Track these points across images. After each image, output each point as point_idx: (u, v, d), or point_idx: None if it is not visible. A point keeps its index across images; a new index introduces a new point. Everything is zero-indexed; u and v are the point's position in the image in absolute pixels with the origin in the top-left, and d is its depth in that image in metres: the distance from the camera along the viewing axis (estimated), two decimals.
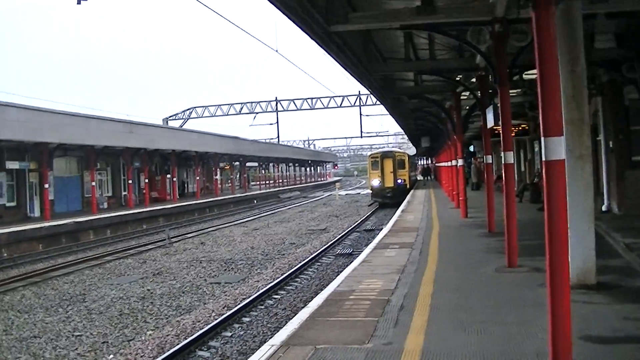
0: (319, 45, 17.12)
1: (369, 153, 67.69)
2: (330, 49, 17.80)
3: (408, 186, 58.26)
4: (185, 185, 76.03)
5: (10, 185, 45.67)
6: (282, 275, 22.39)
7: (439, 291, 12.81)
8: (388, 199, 54.91)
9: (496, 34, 15.24)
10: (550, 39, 7.66)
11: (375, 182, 57.63)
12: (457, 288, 13.09)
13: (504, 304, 11.35)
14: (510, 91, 18.79)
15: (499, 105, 16.09)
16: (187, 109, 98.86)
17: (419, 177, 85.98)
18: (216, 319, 16.34)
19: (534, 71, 7.77)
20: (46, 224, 38.88)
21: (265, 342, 10.27)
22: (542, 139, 7.66)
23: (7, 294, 22.37)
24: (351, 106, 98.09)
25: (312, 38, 16.17)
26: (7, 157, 43.87)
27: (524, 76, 23.34)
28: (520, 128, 33.85)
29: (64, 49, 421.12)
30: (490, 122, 19.40)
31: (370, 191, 60.64)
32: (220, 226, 46.25)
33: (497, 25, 15.00)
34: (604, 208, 23.93)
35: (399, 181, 57.28)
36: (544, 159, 7.67)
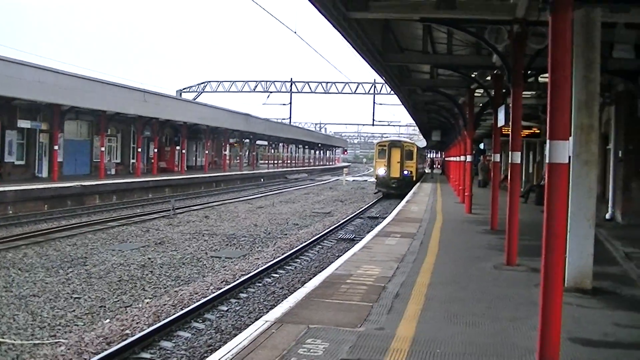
0: (337, 30, 17.20)
1: (377, 140, 66.26)
2: (348, 35, 17.89)
3: (414, 178, 56.17)
4: (195, 159, 76.17)
5: (21, 144, 45.84)
6: (282, 254, 22.50)
7: (436, 282, 12.97)
8: (392, 190, 53.25)
9: (515, 35, 15.31)
10: (564, 44, 7.77)
11: (381, 171, 55.15)
12: (454, 281, 13.25)
13: (499, 300, 11.51)
14: (525, 93, 18.89)
15: (510, 105, 16.19)
16: (202, 83, 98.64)
17: (427, 170, 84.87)
18: (214, 292, 16.45)
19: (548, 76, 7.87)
20: (53, 185, 39.06)
21: (260, 318, 10.42)
22: (548, 141, 7.79)
23: (10, 252, 22.50)
24: (365, 94, 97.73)
25: (330, 23, 16.26)
26: (19, 116, 44.01)
27: (540, 79, 23.38)
28: (531, 130, 33.85)
29: (80, 12, 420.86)
30: (501, 122, 19.52)
31: (375, 180, 57.81)
32: (226, 201, 46.35)
33: (516, 25, 15.07)
34: (607, 216, 24.04)
35: (406, 172, 54.93)
36: (547, 161, 7.81)
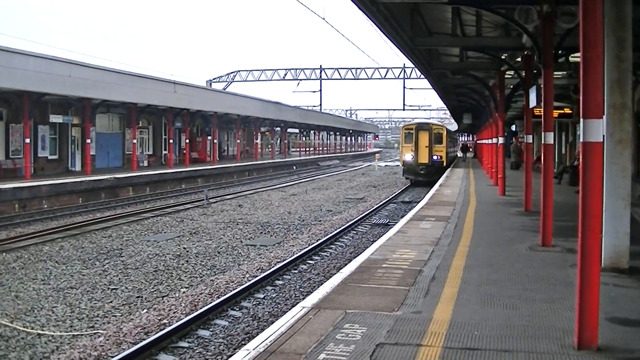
0: (366, 14, 17.20)
1: (403, 124, 61.51)
2: (377, 20, 17.87)
3: (445, 164, 52.10)
4: (227, 148, 76.36)
5: (53, 139, 46.32)
6: (317, 241, 22.61)
7: (471, 265, 12.96)
8: (421, 177, 49.80)
9: (544, 14, 15.20)
10: (596, 22, 7.73)
11: (408, 156, 50.86)
12: (489, 263, 13.22)
13: (534, 282, 11.47)
14: (555, 73, 18.77)
15: (542, 86, 16.09)
16: (231, 72, 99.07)
17: (459, 154, 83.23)
18: (250, 280, 16.58)
19: (580, 54, 7.83)
20: (86, 178, 39.38)
21: (296, 305, 10.47)
22: (582, 120, 7.75)
23: (46, 245, 22.76)
24: (395, 78, 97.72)
25: (359, 7, 16.25)
26: (51, 111, 44.43)
27: (570, 59, 23.19)
28: (563, 110, 33.60)
29: (108, 3, 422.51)
30: (532, 102, 19.39)
31: (402, 166, 53.24)
32: (259, 190, 46.55)
33: (545, 5, 14.97)
34: None
35: (435, 157, 50.58)
36: (581, 140, 7.78)
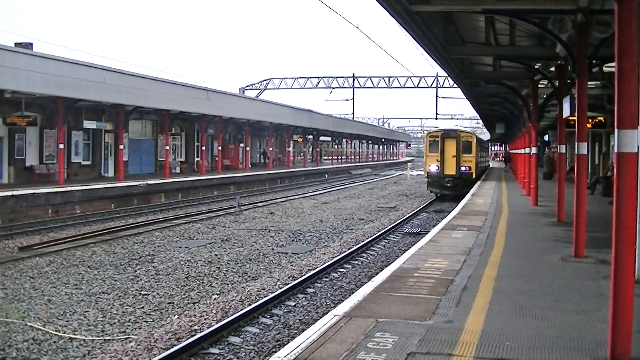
0: (400, 24, 17.19)
1: (427, 131, 53.78)
2: (411, 29, 17.86)
3: (474, 176, 46.20)
4: (265, 155, 76.57)
5: (87, 144, 46.78)
6: (348, 249, 22.60)
7: (503, 275, 12.91)
8: (447, 190, 44.85)
9: (578, 24, 15.12)
10: (631, 31, 7.70)
11: (433, 167, 45.48)
12: (520, 273, 13.17)
13: (566, 293, 11.42)
14: (589, 83, 18.66)
15: (576, 95, 16.01)
16: (264, 80, 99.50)
17: (491, 164, 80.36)
18: (281, 288, 16.59)
19: (614, 64, 7.80)
20: (119, 184, 39.72)
21: (328, 313, 10.48)
22: (616, 131, 7.71)
23: (79, 250, 22.92)
24: (428, 87, 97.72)
25: (392, 16, 16.25)
26: (84, 117, 44.80)
27: (604, 68, 23.08)
28: (597, 120, 33.37)
29: (143, 11, 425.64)
30: (566, 112, 19.32)
31: (426, 178, 47.55)
32: (290, 197, 46.62)
33: (580, 15, 14.89)
34: None
35: (463, 168, 45.29)
36: (615, 151, 7.74)
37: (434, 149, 45.93)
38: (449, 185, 44.90)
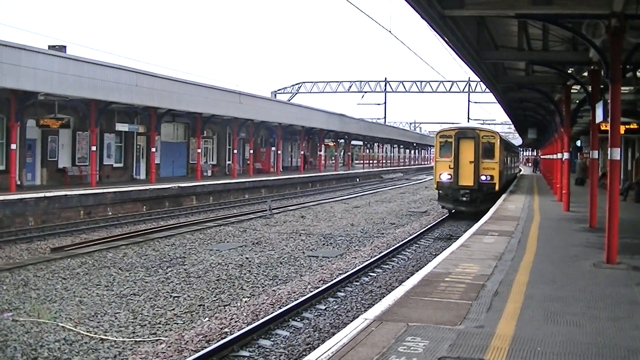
0: (432, 28, 17.20)
1: (438, 129, 39.73)
2: (444, 33, 17.86)
3: (497, 187, 35.52)
4: (306, 160, 76.66)
5: (119, 147, 47.10)
6: (379, 253, 22.58)
7: (534, 281, 12.86)
8: (463, 206, 35.23)
9: (612, 29, 15.04)
10: None
11: (444, 176, 35.23)
12: (552, 279, 13.11)
13: (599, 299, 11.36)
14: (623, 88, 18.55)
15: (609, 101, 15.92)
16: (296, 84, 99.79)
17: (521, 171, 76.36)
18: (311, 292, 16.61)
19: None
20: (151, 187, 39.97)
21: (358, 317, 10.48)
22: None
23: (110, 252, 23.10)
24: (460, 92, 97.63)
25: (426, 21, 16.25)
26: (117, 119, 45.14)
27: (638, 74, 22.94)
28: (630, 126, 33.11)
29: (176, 14, 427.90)
30: (599, 118, 19.23)
31: (436, 190, 36.80)
32: (322, 201, 46.65)
33: (614, 20, 14.82)
34: None
35: (483, 178, 34.83)
36: None
37: (445, 152, 35.70)
38: (465, 199, 35.00)
